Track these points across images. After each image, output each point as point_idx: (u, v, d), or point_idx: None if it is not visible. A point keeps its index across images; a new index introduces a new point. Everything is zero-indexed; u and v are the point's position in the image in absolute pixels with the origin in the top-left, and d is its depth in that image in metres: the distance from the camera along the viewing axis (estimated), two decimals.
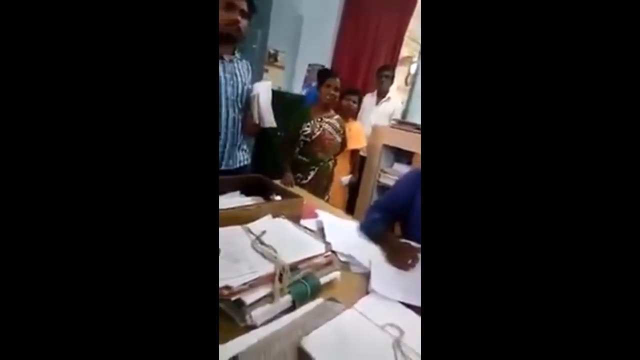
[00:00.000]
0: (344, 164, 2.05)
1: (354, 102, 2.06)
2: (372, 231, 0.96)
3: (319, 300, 0.60)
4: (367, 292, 0.68)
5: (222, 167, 1.19)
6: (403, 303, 0.65)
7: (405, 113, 2.48)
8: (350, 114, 2.08)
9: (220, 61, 1.09)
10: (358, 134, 2.06)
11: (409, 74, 2.96)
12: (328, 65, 3.02)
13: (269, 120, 1.16)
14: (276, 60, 3.19)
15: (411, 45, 3.04)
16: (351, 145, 1.96)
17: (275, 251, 0.63)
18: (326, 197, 1.82)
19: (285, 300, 0.56)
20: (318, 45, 3.12)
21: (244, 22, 1.08)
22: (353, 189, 2.23)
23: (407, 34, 2.59)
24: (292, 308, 0.57)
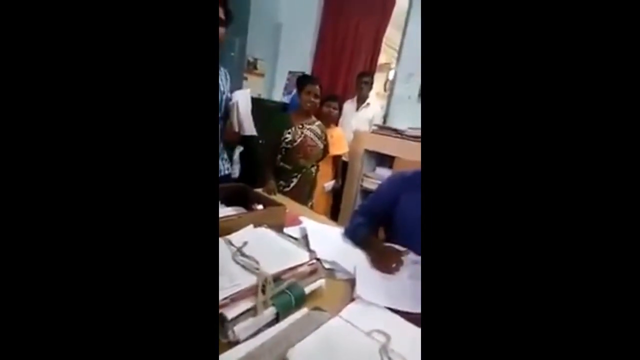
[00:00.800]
0: (326, 170, 2.06)
1: (335, 108, 2.07)
2: (356, 236, 0.96)
3: (303, 310, 0.59)
4: (353, 299, 0.68)
5: None
6: (389, 308, 0.65)
7: (385, 118, 2.52)
8: (332, 120, 2.09)
9: None
10: (340, 140, 2.07)
11: (387, 80, 3.02)
12: (308, 72, 3.04)
13: (249, 128, 1.16)
14: (256, 68, 3.19)
15: (388, 52, 3.11)
16: (333, 151, 1.97)
17: (257, 262, 0.61)
18: (310, 204, 1.81)
19: (269, 312, 0.55)
20: (297, 52, 3.14)
21: (220, 30, 1.07)
22: (337, 195, 2.24)
23: (384, 40, 2.65)
24: (276, 320, 0.56)
